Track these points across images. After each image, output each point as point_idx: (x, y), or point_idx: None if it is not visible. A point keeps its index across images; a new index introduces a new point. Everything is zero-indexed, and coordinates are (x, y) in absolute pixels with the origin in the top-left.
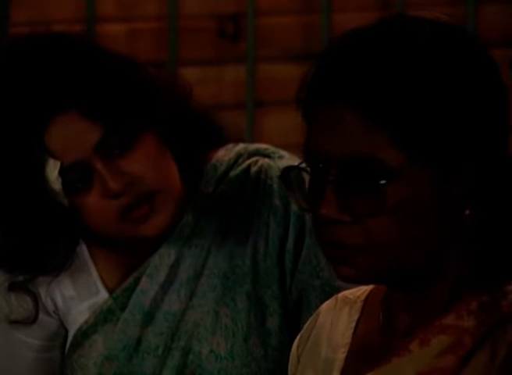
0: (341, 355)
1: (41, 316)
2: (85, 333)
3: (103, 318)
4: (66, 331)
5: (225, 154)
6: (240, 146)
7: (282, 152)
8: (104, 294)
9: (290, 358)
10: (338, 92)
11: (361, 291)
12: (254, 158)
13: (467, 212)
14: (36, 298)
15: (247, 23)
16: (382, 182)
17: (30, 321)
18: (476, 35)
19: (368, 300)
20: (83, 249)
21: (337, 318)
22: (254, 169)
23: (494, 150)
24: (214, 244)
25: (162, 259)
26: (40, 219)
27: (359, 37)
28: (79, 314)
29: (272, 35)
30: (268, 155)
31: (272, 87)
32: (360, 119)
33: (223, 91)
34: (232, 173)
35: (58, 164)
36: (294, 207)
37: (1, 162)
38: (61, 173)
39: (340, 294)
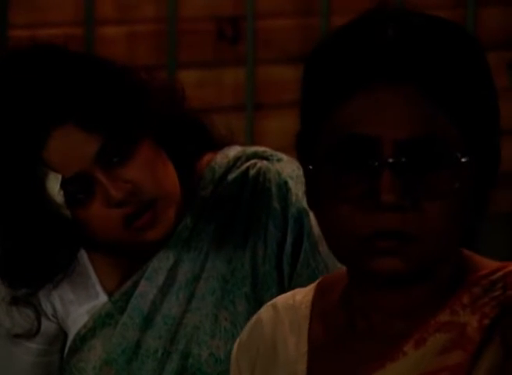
0: (302, 366)
1: (42, 320)
2: (84, 338)
3: (101, 322)
4: (65, 335)
5: (223, 157)
6: (238, 149)
7: (281, 155)
8: (103, 297)
9: (231, 366)
10: (403, 71)
11: (301, 295)
12: (253, 161)
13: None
14: (38, 311)
15: (246, 26)
16: (455, 161)
17: (33, 333)
18: (476, 38)
19: (314, 305)
20: (83, 254)
21: (282, 327)
22: (252, 172)
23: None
24: (212, 247)
25: (161, 263)
26: (43, 232)
27: (415, 20)
28: (78, 318)
29: (272, 38)
30: (266, 158)
31: (272, 90)
32: (425, 99)
33: (222, 93)
34: (230, 176)
35: (60, 177)
36: (292, 210)
37: (1, 179)
38: (62, 185)
39: (278, 302)
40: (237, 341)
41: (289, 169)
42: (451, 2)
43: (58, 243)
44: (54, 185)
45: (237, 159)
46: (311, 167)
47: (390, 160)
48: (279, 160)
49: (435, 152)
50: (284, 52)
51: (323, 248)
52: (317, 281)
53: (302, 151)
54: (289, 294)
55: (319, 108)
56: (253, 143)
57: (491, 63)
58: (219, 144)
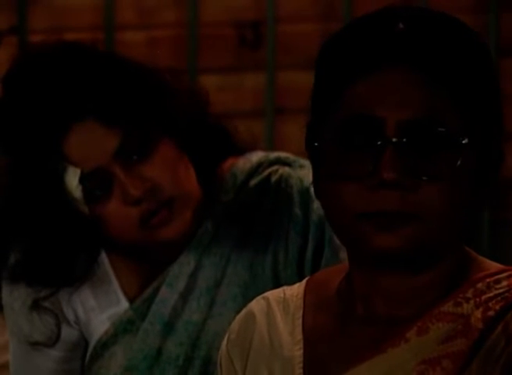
0: (298, 352)
1: (63, 326)
2: (105, 345)
3: (123, 329)
4: (87, 342)
5: (245, 162)
6: (261, 154)
7: (303, 161)
8: (124, 304)
9: (222, 361)
10: (410, 56)
11: (291, 290)
12: (275, 167)
13: (484, 190)
14: (58, 319)
15: (266, 31)
16: (455, 143)
17: (52, 342)
18: (499, 42)
19: (306, 297)
20: (104, 259)
21: (274, 318)
22: (274, 178)
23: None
24: (233, 253)
25: (182, 268)
26: (61, 229)
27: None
28: (99, 324)
29: (292, 42)
30: (288, 164)
31: (292, 95)
32: (429, 83)
33: (243, 98)
34: (252, 182)
35: (78, 172)
36: (314, 216)
37: (20, 173)
38: (81, 180)
39: (270, 295)
40: (226, 336)
41: (311, 175)
42: (474, 7)
43: (76, 241)
44: (72, 180)
45: (259, 165)
46: (316, 144)
47: (393, 139)
48: (301, 166)
49: (436, 134)
50: (305, 57)
51: (344, 254)
52: (306, 278)
53: (310, 138)
54: (278, 289)
55: (329, 90)
56: (273, 148)
57: None
58: (242, 149)
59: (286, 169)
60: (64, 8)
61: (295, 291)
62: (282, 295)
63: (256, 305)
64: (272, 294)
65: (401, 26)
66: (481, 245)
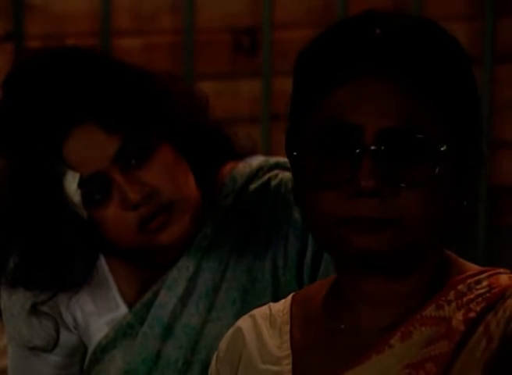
0: (287, 367)
1: (62, 331)
2: (104, 349)
3: (122, 333)
4: (85, 347)
5: (245, 166)
6: (261, 159)
7: None
8: (123, 309)
9: None
10: (389, 64)
11: (277, 306)
12: (274, 172)
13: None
14: (57, 324)
15: (262, 37)
16: (434, 151)
17: (50, 347)
18: (494, 49)
19: (293, 312)
20: (103, 264)
21: (261, 334)
22: (273, 182)
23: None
24: (232, 258)
25: (181, 272)
26: (60, 233)
27: (405, 19)
28: (98, 329)
29: (288, 48)
30: (288, 169)
31: (288, 101)
32: (409, 92)
33: (239, 104)
34: (252, 187)
35: (78, 176)
36: None
37: (19, 176)
38: (80, 184)
39: (256, 312)
40: (215, 354)
41: None
42: (469, 13)
43: (74, 244)
44: (71, 184)
45: (259, 169)
46: (295, 153)
47: (371, 147)
48: None
49: (415, 141)
50: None
51: None
52: (291, 294)
53: (289, 144)
54: (264, 306)
55: (307, 97)
56: (269, 154)
57: (509, 75)
58: (241, 154)
59: (286, 174)
60: (60, 14)
61: (281, 306)
62: (268, 312)
63: (243, 322)
64: (258, 312)
65: (378, 31)
66: (476, 251)
